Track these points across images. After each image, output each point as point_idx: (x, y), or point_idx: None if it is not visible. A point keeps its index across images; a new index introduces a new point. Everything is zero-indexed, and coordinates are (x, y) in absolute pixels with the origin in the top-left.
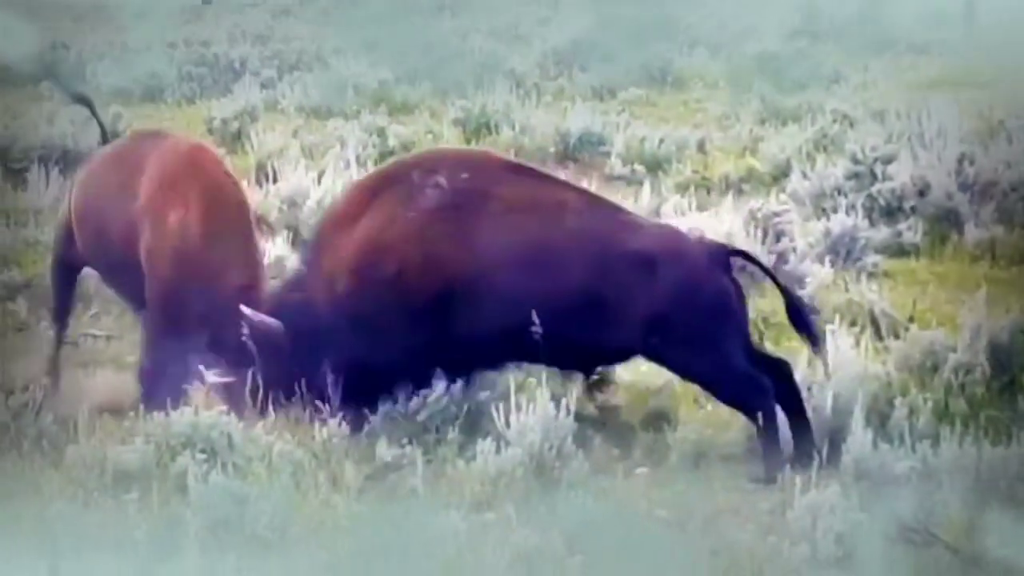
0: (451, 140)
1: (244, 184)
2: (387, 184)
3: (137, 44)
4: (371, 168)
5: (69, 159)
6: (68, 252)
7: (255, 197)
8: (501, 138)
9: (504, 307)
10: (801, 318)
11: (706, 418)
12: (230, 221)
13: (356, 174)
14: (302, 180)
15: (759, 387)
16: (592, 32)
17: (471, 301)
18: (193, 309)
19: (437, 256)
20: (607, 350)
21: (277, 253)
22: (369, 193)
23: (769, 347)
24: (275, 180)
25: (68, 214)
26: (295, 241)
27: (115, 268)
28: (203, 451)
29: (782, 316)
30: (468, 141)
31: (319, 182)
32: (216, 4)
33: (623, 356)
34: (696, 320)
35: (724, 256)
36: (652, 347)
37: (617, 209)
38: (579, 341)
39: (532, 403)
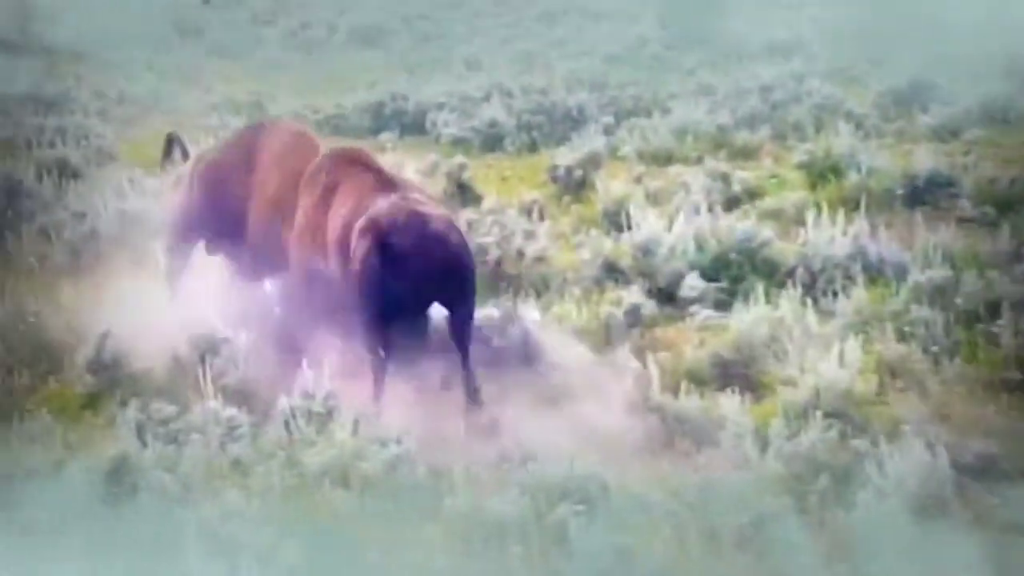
0: (795, 184)
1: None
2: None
3: (475, 94)
4: (721, 215)
5: None
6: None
7: (605, 244)
8: (847, 182)
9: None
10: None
11: None
12: None
13: (706, 222)
14: (653, 227)
15: (376, 341)
16: (928, 72)
17: None
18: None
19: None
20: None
21: (632, 301)
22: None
23: None
24: (625, 228)
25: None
26: (650, 289)
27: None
28: (579, 502)
29: None
30: (813, 186)
31: (669, 229)
32: (550, 52)
33: None
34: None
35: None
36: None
37: (394, 187)
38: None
39: (907, 450)
